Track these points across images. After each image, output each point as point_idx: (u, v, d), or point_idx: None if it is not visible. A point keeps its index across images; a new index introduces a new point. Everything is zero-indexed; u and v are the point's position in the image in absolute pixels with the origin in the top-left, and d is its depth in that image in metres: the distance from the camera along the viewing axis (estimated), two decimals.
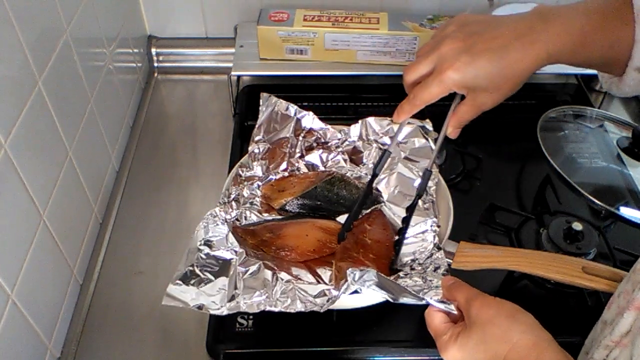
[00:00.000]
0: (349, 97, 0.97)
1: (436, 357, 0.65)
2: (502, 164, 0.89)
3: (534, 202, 0.82)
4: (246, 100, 0.97)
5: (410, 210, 0.66)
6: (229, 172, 0.75)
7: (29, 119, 0.58)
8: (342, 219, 0.74)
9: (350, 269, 0.55)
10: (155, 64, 1.06)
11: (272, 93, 0.80)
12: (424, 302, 0.55)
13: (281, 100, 0.78)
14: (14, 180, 0.56)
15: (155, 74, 1.06)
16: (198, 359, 0.66)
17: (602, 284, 0.62)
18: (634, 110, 1.00)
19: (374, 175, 0.69)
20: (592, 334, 0.55)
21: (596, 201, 0.75)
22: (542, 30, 0.57)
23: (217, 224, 0.65)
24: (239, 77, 0.98)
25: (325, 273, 0.66)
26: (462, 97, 0.62)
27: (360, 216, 0.73)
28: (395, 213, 0.73)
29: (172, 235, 0.79)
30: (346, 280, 0.55)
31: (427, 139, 0.75)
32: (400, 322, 0.67)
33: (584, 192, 0.75)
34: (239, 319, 0.66)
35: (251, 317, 0.66)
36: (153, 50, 1.05)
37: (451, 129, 0.63)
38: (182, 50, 1.06)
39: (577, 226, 0.71)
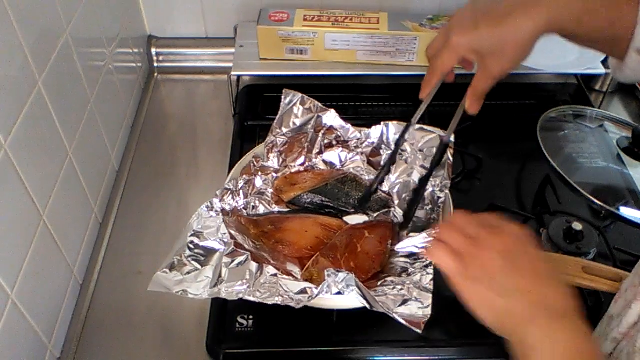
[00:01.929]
0: (349, 97, 0.97)
1: (436, 357, 0.65)
2: (502, 164, 0.89)
3: (534, 202, 0.82)
4: (246, 100, 0.97)
5: (424, 180, 0.68)
6: (229, 172, 0.75)
7: (29, 119, 0.58)
8: (348, 218, 0.74)
9: (329, 270, 0.56)
10: (155, 64, 1.06)
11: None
12: (394, 316, 0.56)
13: (303, 95, 0.78)
14: (14, 180, 0.56)
15: (155, 74, 1.06)
16: (198, 359, 0.66)
17: (602, 284, 0.62)
18: (634, 110, 1.00)
19: (397, 147, 0.71)
20: (598, 329, 0.55)
21: (596, 201, 0.75)
22: (544, 0, 0.58)
23: (211, 215, 0.66)
24: (239, 77, 0.98)
25: None
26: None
27: (369, 220, 0.73)
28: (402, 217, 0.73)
29: (172, 235, 0.78)
30: (326, 281, 0.56)
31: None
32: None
33: (584, 192, 0.75)
34: (239, 319, 0.66)
35: (251, 317, 0.66)
36: (153, 50, 1.05)
37: (469, 101, 0.63)
38: (182, 50, 1.06)
39: (577, 226, 0.71)
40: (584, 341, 0.46)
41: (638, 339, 0.45)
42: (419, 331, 0.56)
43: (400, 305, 0.59)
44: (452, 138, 0.70)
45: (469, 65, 0.63)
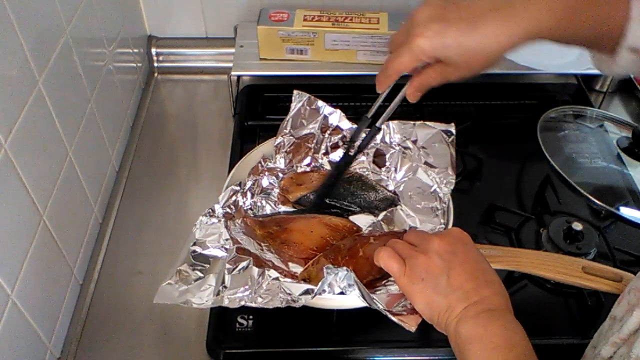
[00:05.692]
0: (349, 97, 0.97)
1: (436, 357, 0.65)
2: (502, 164, 0.89)
3: (534, 202, 0.82)
4: (246, 100, 0.97)
5: (346, 158, 0.73)
6: (229, 172, 0.75)
7: (29, 119, 0.58)
8: (354, 218, 0.74)
9: (328, 267, 0.56)
10: (155, 64, 1.06)
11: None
12: (387, 315, 0.57)
13: (311, 96, 0.79)
14: (14, 180, 0.56)
15: (155, 74, 1.06)
16: (198, 359, 0.66)
17: (602, 284, 0.62)
18: (634, 110, 1.00)
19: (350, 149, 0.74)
20: (601, 328, 0.54)
21: (596, 201, 0.75)
22: (520, 6, 0.53)
23: (213, 222, 0.66)
24: (239, 77, 0.98)
25: None
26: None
27: (376, 220, 0.73)
28: (408, 215, 0.73)
29: (172, 235, 0.79)
30: (325, 278, 0.56)
31: (448, 145, 0.74)
32: None
33: (584, 192, 0.75)
34: (239, 319, 0.66)
35: (251, 317, 0.66)
36: (153, 50, 1.05)
37: (412, 89, 0.61)
38: (182, 50, 1.06)
39: (577, 226, 0.71)
40: (516, 334, 0.48)
41: (634, 349, 0.45)
42: (412, 330, 0.56)
43: (397, 305, 0.59)
44: (381, 124, 0.71)
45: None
